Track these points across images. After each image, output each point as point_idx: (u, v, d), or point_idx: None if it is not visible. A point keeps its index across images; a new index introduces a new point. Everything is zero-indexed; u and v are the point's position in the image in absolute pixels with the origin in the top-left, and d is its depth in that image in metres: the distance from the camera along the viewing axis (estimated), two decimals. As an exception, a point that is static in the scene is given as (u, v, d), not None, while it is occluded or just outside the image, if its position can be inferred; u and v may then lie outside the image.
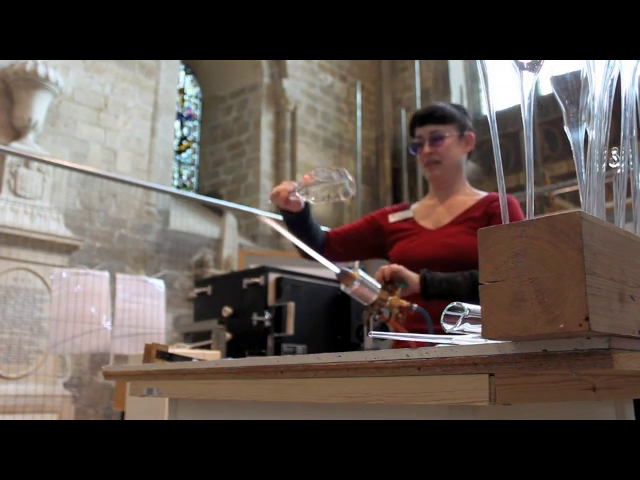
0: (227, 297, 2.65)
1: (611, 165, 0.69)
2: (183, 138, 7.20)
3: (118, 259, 5.22)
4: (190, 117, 7.31)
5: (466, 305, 0.62)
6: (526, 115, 0.61)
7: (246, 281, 2.57)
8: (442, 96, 6.81)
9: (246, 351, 2.39)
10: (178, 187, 6.95)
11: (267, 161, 6.67)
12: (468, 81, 7.24)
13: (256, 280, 2.53)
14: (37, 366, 4.32)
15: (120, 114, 5.51)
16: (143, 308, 2.90)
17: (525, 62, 0.61)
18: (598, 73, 0.64)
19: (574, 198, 5.29)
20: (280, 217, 1.68)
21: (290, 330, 2.42)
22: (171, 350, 1.20)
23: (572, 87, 0.65)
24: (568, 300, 0.48)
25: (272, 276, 2.51)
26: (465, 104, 6.70)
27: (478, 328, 0.58)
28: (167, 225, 5.70)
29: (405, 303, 1.35)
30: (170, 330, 4.85)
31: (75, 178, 4.96)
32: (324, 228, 1.92)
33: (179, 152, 7.11)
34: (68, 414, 4.32)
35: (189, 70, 7.32)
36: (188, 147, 7.27)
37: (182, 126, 7.18)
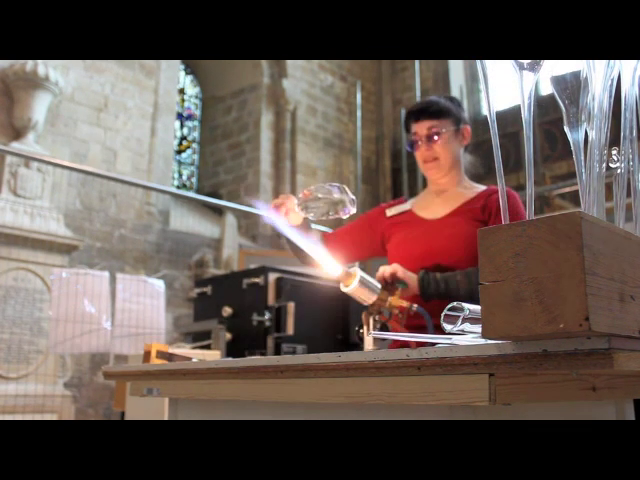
0: (227, 297, 2.66)
1: (611, 165, 0.69)
2: (183, 138, 7.20)
3: (118, 259, 5.22)
4: (190, 117, 7.31)
5: (466, 305, 0.62)
6: (526, 115, 0.61)
7: (246, 281, 2.58)
8: (442, 96, 6.79)
9: (246, 351, 2.39)
10: (178, 187, 6.95)
11: (267, 161, 6.67)
12: (468, 81, 7.23)
13: (256, 280, 2.53)
14: (37, 366, 4.32)
15: (120, 114, 5.51)
16: (143, 308, 2.89)
17: (525, 62, 0.61)
18: (598, 73, 0.64)
19: (574, 198, 5.29)
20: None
21: (290, 330, 2.42)
22: (171, 350, 1.20)
23: (572, 87, 0.65)
24: (568, 300, 0.48)
25: (272, 276, 2.51)
26: (465, 104, 6.70)
27: (478, 328, 0.58)
28: (167, 225, 5.70)
29: (405, 303, 1.35)
30: (170, 330, 4.85)
31: (75, 178, 4.96)
32: (324, 229, 1.91)
33: (179, 152, 7.11)
34: (68, 414, 4.32)
35: (189, 70, 7.32)
36: (188, 147, 7.27)
37: (182, 126, 7.18)
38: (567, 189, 5.37)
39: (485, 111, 6.33)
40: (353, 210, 1.36)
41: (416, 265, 1.57)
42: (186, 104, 7.26)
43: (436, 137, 1.67)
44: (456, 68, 7.18)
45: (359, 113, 7.34)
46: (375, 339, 1.25)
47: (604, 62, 0.64)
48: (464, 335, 0.65)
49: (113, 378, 1.17)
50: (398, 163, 7.15)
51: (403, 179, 6.95)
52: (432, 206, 1.74)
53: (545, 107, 5.73)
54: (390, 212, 1.79)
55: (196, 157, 7.31)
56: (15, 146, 4.49)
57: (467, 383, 0.58)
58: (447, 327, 0.63)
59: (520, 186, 5.41)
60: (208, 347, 2.53)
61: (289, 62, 6.82)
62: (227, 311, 2.56)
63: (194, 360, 1.06)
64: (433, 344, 0.69)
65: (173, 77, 6.23)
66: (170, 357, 1.15)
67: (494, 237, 0.53)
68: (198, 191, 6.97)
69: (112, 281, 2.92)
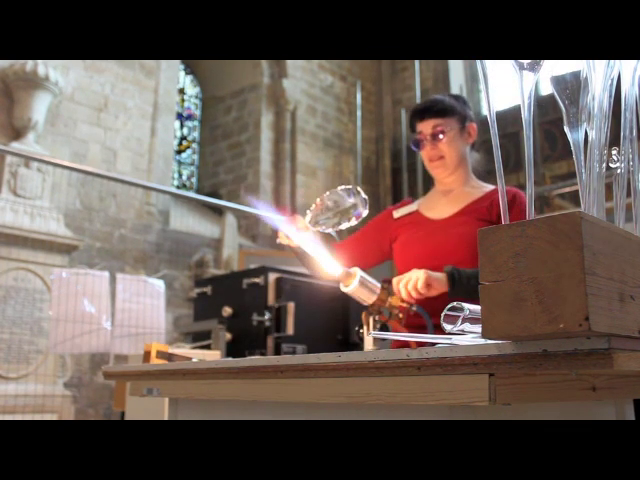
0: (227, 297, 2.66)
1: (611, 165, 0.69)
2: (183, 138, 7.20)
3: (118, 259, 5.22)
4: (190, 117, 7.30)
5: (466, 305, 0.62)
6: (526, 115, 0.61)
7: (246, 281, 2.58)
8: (442, 96, 6.79)
9: (246, 351, 2.39)
10: (178, 187, 6.95)
11: (267, 161, 6.67)
12: (468, 81, 7.23)
13: (256, 280, 2.53)
14: (37, 366, 4.32)
15: (120, 114, 5.50)
16: (143, 308, 2.89)
17: (525, 62, 0.61)
18: (598, 73, 0.64)
19: (574, 198, 5.29)
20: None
21: (290, 330, 2.42)
22: (171, 350, 1.20)
23: (572, 87, 0.65)
24: (568, 300, 0.48)
25: (272, 276, 2.51)
26: (465, 104, 6.69)
27: (478, 328, 0.58)
28: (167, 225, 5.70)
29: (405, 304, 1.35)
30: (170, 330, 4.85)
31: (75, 178, 4.96)
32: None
33: (179, 152, 7.10)
34: (68, 414, 4.32)
35: (189, 70, 7.32)
36: (188, 147, 7.27)
37: (182, 126, 7.18)
38: (567, 189, 5.37)
39: (485, 111, 6.33)
40: (365, 212, 1.35)
41: (422, 265, 1.56)
42: (186, 104, 7.25)
43: (441, 136, 1.66)
44: (456, 68, 7.17)
45: (359, 113, 7.34)
46: (375, 339, 1.24)
47: (604, 62, 0.64)
48: (464, 335, 0.65)
49: (113, 378, 1.17)
50: (398, 163, 7.15)
51: (403, 179, 6.95)
52: (438, 206, 1.74)
53: (545, 107, 5.73)
54: (397, 214, 1.79)
55: (196, 157, 7.31)
56: (15, 146, 4.49)
57: (467, 383, 0.58)
58: (447, 327, 0.63)
59: (520, 186, 5.40)
60: (208, 347, 2.53)
61: (289, 62, 6.82)
62: (227, 311, 2.56)
63: (194, 360, 1.06)
64: (433, 344, 0.69)
65: (173, 77, 6.23)
66: (170, 357, 1.15)
67: (494, 237, 0.54)
68: (198, 191, 6.96)
69: (112, 281, 2.91)
